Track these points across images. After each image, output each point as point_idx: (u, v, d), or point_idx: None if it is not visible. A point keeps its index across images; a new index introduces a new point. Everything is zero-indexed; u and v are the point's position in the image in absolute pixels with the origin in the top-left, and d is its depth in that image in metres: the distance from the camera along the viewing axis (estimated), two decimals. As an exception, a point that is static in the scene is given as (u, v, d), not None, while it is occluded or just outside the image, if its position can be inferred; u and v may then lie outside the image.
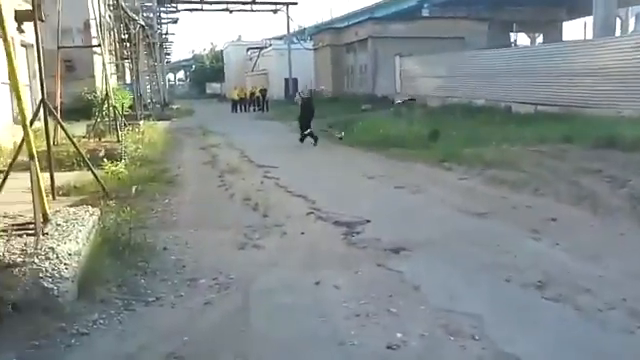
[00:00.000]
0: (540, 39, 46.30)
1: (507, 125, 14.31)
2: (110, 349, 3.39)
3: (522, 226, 6.00)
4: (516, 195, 7.52)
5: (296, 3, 40.98)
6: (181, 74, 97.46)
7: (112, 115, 13.34)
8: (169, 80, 66.28)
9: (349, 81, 37.54)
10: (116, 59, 23.92)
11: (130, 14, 23.92)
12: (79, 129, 14.12)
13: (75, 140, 9.26)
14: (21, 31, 12.55)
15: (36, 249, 3.94)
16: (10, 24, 11.14)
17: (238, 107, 33.88)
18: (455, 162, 10.00)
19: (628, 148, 9.28)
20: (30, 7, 8.00)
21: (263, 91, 34.90)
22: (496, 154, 10.35)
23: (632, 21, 42.63)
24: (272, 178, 9.38)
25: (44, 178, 6.04)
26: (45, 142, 7.54)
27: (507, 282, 4.39)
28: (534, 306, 3.97)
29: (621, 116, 13.24)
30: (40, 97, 7.50)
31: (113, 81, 21.81)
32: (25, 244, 4.06)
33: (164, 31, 42.75)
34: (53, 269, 3.72)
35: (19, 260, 3.74)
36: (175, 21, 44.28)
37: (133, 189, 7.64)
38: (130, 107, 21.06)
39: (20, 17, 11.65)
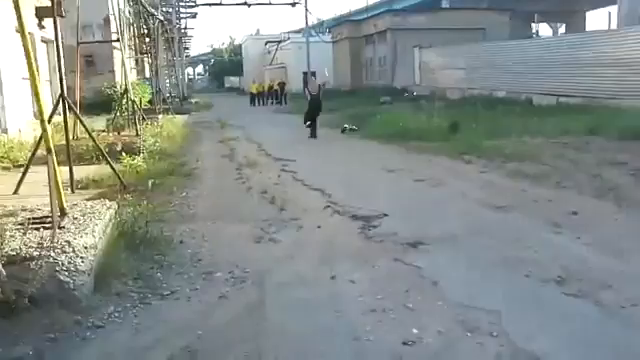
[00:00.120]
0: (562, 29, 45.46)
1: (528, 117, 14.12)
2: (125, 342, 3.39)
3: (543, 220, 5.88)
4: (537, 188, 7.38)
5: (314, -5, 40.86)
6: (200, 68, 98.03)
7: (131, 109, 13.47)
8: (188, 74, 66.68)
9: (368, 73, 37.37)
10: (135, 54, 24.16)
11: (149, 9, 24.07)
12: (99, 123, 14.32)
13: (94, 134, 9.37)
14: (42, 27, 12.72)
15: (52, 242, 3.97)
16: (30, 20, 11.31)
17: (256, 100, 34.04)
18: (475, 155, 9.89)
19: (655, 140, 9.08)
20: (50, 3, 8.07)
21: (281, 84, 34.98)
22: (517, 146, 10.21)
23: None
24: (289, 171, 9.35)
25: (63, 172, 6.11)
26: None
27: (527, 277, 4.30)
28: (554, 302, 3.87)
29: (647, 107, 12.96)
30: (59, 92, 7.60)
31: (133, 76, 22.05)
32: (42, 237, 4.09)
33: (183, 26, 42.88)
34: (69, 262, 3.74)
35: (35, 253, 3.76)
36: (194, 16, 44.33)
37: (149, 183, 7.69)
38: (149, 101, 21.28)
39: (41, 13, 11.84)
